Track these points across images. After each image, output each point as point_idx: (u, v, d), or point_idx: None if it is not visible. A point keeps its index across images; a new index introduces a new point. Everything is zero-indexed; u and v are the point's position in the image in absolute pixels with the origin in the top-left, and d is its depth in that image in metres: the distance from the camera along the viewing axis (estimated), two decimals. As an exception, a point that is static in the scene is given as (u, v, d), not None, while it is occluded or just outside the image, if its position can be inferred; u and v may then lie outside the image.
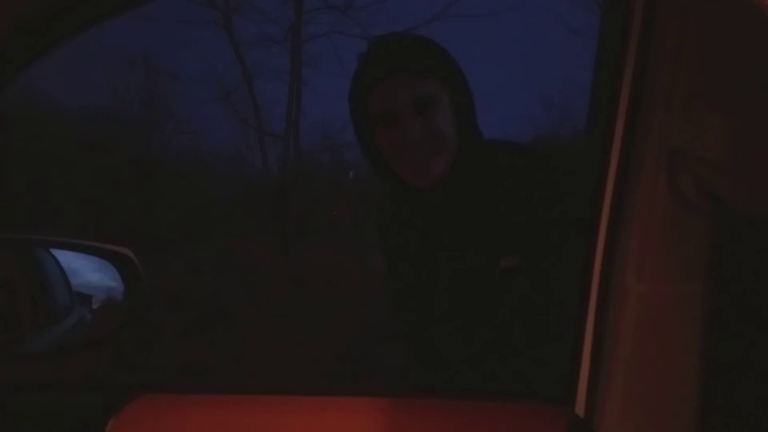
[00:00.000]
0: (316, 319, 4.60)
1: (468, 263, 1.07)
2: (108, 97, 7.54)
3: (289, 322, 4.56)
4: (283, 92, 7.45)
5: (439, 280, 1.10)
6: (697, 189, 0.59)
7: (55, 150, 6.55)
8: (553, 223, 0.99)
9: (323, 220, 7.21)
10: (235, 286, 5.66)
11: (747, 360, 0.61)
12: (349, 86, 1.07)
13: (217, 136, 8.52)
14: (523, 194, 1.03)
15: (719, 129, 0.54)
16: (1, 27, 0.59)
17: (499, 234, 1.04)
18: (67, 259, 0.97)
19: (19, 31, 0.60)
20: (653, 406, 0.63)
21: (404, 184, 1.07)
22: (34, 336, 0.96)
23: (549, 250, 0.99)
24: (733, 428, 0.62)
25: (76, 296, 0.98)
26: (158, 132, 7.94)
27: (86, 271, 0.97)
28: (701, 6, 0.55)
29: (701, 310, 0.60)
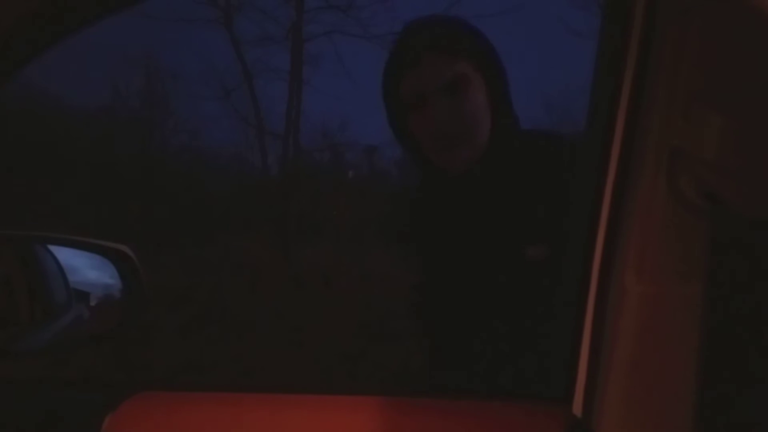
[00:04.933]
0: (316, 318, 4.59)
1: (493, 252, 1.03)
2: (108, 95, 7.53)
3: (288, 321, 4.56)
4: (283, 91, 7.43)
5: (464, 270, 1.07)
6: (697, 189, 0.58)
7: (54, 147, 6.54)
8: (582, 216, 0.96)
9: (323, 219, 7.20)
10: (235, 284, 5.66)
11: (746, 360, 0.61)
12: (382, 69, 1.05)
13: (217, 134, 8.51)
14: (556, 184, 0.98)
15: (719, 129, 0.54)
16: (1, 24, 0.59)
17: (527, 223, 1.01)
18: (66, 256, 0.97)
19: (18, 28, 0.60)
20: (651, 406, 0.63)
21: (435, 167, 1.05)
22: (32, 333, 0.95)
23: (577, 243, 0.96)
24: (731, 428, 0.62)
25: (74, 293, 0.98)
26: (158, 130, 7.93)
27: (84, 268, 0.96)
28: (702, 6, 0.55)
29: (701, 310, 0.60)
